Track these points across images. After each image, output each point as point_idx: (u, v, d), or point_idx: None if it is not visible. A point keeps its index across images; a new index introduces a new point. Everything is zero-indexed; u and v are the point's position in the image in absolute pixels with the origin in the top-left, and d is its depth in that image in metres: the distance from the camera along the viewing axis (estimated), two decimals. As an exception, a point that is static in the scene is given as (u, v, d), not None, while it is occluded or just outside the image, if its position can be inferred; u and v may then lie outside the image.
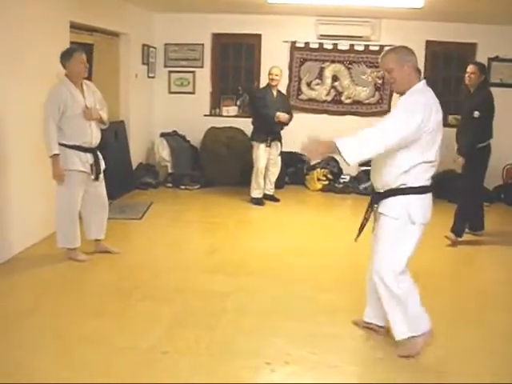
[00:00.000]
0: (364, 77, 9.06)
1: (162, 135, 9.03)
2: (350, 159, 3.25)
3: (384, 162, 3.41)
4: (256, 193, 7.78)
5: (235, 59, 9.60)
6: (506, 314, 4.38)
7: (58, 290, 4.54)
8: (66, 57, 4.87)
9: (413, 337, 3.53)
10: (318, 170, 8.89)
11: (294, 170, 9.09)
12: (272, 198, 7.95)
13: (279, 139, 7.74)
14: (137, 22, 8.43)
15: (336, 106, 9.17)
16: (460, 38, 8.62)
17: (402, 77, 3.39)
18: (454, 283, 5.10)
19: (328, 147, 3.31)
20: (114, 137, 7.77)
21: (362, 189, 8.36)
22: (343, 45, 9.00)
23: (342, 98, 9.17)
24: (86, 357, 3.43)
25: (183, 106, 9.34)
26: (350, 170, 8.92)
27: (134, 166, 8.63)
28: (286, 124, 7.56)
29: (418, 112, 3.24)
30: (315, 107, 9.16)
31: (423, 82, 3.47)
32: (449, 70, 9.04)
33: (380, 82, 8.88)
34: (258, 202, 7.75)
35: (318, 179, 8.82)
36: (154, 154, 9.06)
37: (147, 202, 7.56)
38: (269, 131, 7.57)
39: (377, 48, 8.62)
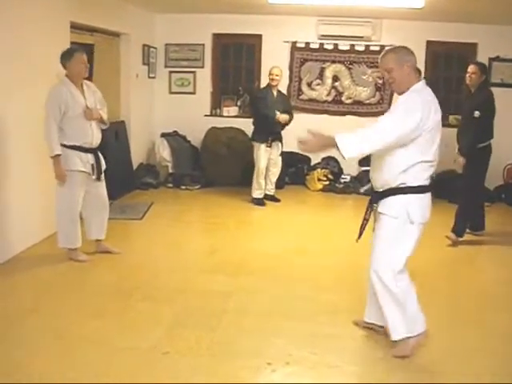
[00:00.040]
0: (365, 77, 9.06)
1: (163, 135, 9.03)
2: (347, 154, 3.25)
3: (383, 161, 3.42)
4: (257, 193, 7.78)
5: (236, 59, 9.60)
6: (507, 314, 4.38)
7: (59, 290, 4.54)
8: (66, 57, 4.87)
9: (408, 337, 3.54)
10: (319, 170, 8.90)
11: (295, 170, 9.10)
12: (273, 199, 7.95)
13: (280, 139, 7.73)
14: (137, 23, 8.43)
15: (336, 106, 9.17)
16: (461, 38, 8.62)
17: (402, 77, 3.39)
18: (455, 283, 5.10)
19: (326, 140, 3.32)
20: (115, 137, 7.77)
21: (363, 191, 8.33)
22: (344, 45, 9.00)
23: (343, 99, 9.17)
24: (86, 357, 3.43)
25: (184, 107, 9.34)
26: (350, 170, 8.95)
27: (135, 166, 8.63)
28: (287, 124, 7.57)
29: (417, 110, 3.24)
30: (316, 107, 9.16)
31: (422, 81, 3.48)
32: (449, 70, 9.04)
33: (381, 82, 8.87)
34: (259, 202, 7.75)
35: (319, 179, 8.81)
36: (154, 154, 9.06)
37: (148, 203, 7.57)
38: (269, 131, 7.57)
39: (377, 48, 8.61)
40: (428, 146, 3.34)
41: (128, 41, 8.17)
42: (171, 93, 9.49)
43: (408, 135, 3.25)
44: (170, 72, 9.44)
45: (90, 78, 5.66)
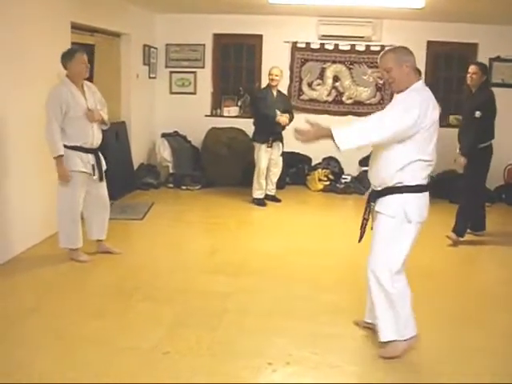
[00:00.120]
0: (365, 77, 9.06)
1: (163, 135, 9.04)
2: (343, 145, 3.25)
3: (380, 159, 3.43)
4: (258, 193, 7.79)
5: (236, 60, 9.60)
6: (507, 314, 4.38)
7: (60, 290, 4.54)
8: (67, 57, 4.88)
9: (396, 340, 3.54)
10: (320, 170, 8.90)
11: (296, 170, 9.10)
12: (273, 199, 7.95)
13: (280, 140, 7.73)
14: (138, 23, 8.44)
15: (337, 106, 9.17)
16: (461, 39, 8.62)
17: (401, 76, 3.40)
18: (455, 283, 5.09)
19: (323, 131, 3.32)
20: (116, 137, 7.77)
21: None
22: (344, 45, 9.00)
23: (343, 99, 9.18)
24: (87, 357, 3.44)
25: (184, 107, 9.34)
26: (351, 170, 8.96)
27: (136, 167, 8.63)
28: (287, 124, 7.57)
29: (415, 108, 3.25)
30: (316, 107, 9.16)
31: (421, 81, 3.49)
32: (450, 71, 9.04)
33: (381, 82, 8.87)
34: (260, 202, 7.75)
35: (320, 179, 8.82)
36: (155, 155, 9.06)
37: (148, 203, 7.57)
38: (270, 132, 7.57)
39: (378, 48, 8.60)
40: (426, 145, 3.35)
41: (128, 41, 8.18)
42: (172, 93, 9.49)
43: (405, 131, 3.26)
44: (171, 72, 9.45)
45: (90, 79, 5.66)
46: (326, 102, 9.22)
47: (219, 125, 9.09)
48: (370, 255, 3.55)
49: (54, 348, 3.54)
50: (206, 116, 9.41)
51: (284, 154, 7.96)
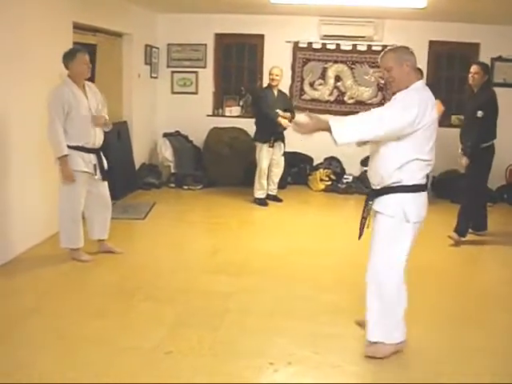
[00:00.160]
0: (367, 77, 9.06)
1: (165, 135, 9.04)
2: (340, 139, 3.25)
3: (379, 157, 3.44)
4: (259, 193, 7.79)
5: (238, 59, 9.61)
6: (508, 313, 4.38)
7: (61, 290, 4.55)
8: (68, 57, 4.88)
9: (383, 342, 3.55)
10: (321, 170, 8.90)
11: (297, 170, 9.09)
12: (275, 199, 7.95)
13: (282, 139, 7.73)
14: (140, 23, 8.44)
15: (339, 106, 9.17)
16: (463, 38, 8.61)
17: (401, 75, 3.40)
18: (457, 283, 5.09)
19: (321, 124, 3.32)
20: (117, 137, 7.77)
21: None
22: (346, 45, 9.00)
23: (345, 98, 9.18)
24: (88, 357, 3.44)
25: (186, 107, 9.35)
26: (352, 170, 8.95)
27: (137, 166, 8.64)
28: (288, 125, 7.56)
29: (413, 106, 3.25)
30: (318, 107, 9.14)
31: (421, 81, 3.48)
32: (452, 70, 9.04)
33: (383, 82, 8.85)
34: (262, 202, 7.76)
35: (321, 179, 8.81)
36: (156, 155, 9.07)
37: (150, 202, 7.57)
38: (272, 131, 7.56)
39: (379, 48, 8.56)
40: (424, 144, 3.35)
41: (130, 41, 8.18)
42: (173, 93, 9.50)
43: (403, 129, 3.26)
44: (172, 72, 9.45)
45: (92, 78, 5.66)
46: (327, 101, 9.22)
47: (221, 125, 9.09)
48: (370, 255, 3.55)
49: (55, 348, 3.55)
50: (208, 116, 9.42)
51: (286, 154, 7.96)
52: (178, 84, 9.47)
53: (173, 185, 8.73)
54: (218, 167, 8.76)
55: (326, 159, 9.11)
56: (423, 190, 3.47)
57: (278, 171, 7.94)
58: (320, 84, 9.20)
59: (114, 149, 7.32)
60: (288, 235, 6.42)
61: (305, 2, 7.46)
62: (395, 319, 3.52)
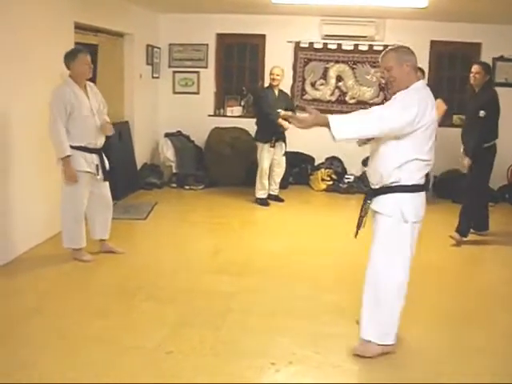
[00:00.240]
0: (368, 77, 9.06)
1: (167, 135, 9.05)
2: (338, 135, 3.24)
3: (379, 156, 3.44)
4: (261, 193, 7.79)
5: (239, 59, 9.61)
6: (508, 314, 4.38)
7: (63, 290, 4.56)
8: (70, 57, 4.88)
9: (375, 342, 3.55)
10: (323, 170, 8.90)
11: (299, 170, 9.09)
12: (276, 199, 7.95)
13: (283, 139, 7.73)
14: (141, 23, 8.45)
15: (340, 106, 9.16)
16: (464, 38, 8.60)
17: (402, 75, 3.39)
18: (458, 283, 5.10)
19: (320, 119, 3.31)
20: (119, 137, 7.77)
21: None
22: (347, 45, 9.00)
23: (347, 98, 9.17)
24: (90, 357, 3.45)
25: (187, 107, 9.35)
26: (354, 170, 8.96)
27: (139, 167, 8.64)
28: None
29: (413, 106, 3.26)
30: (319, 107, 9.10)
31: (422, 81, 3.49)
32: (453, 70, 9.03)
33: (384, 82, 8.84)
34: (263, 202, 7.76)
35: (323, 179, 8.81)
36: (158, 155, 9.08)
37: (152, 202, 7.58)
38: (273, 131, 7.56)
39: (381, 48, 8.55)
40: (424, 144, 3.35)
41: (132, 41, 8.19)
42: (175, 93, 9.50)
43: (402, 128, 3.26)
44: (174, 72, 9.45)
45: (93, 79, 5.67)
46: (329, 101, 9.22)
47: (222, 124, 9.09)
48: (370, 255, 3.56)
49: (56, 348, 3.55)
50: (209, 116, 9.42)
51: (287, 154, 7.96)
52: (180, 84, 9.48)
53: (174, 185, 8.73)
54: (220, 167, 8.77)
55: (327, 159, 9.11)
56: (421, 190, 3.47)
57: (279, 171, 7.94)
58: (321, 84, 9.20)
59: (116, 149, 7.32)
60: (290, 235, 6.42)
61: (306, 2, 7.46)
62: (390, 320, 3.52)
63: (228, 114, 9.41)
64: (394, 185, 3.39)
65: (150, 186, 8.50)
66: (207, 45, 9.29)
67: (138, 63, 8.44)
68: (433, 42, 8.75)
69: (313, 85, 9.22)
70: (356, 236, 3.67)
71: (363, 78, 9.07)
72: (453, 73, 9.04)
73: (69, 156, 4.83)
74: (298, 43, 9.09)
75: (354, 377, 3.41)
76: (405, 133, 3.28)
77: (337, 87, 9.17)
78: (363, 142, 3.62)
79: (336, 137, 3.24)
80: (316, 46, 9.07)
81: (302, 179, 9.08)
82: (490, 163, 6.07)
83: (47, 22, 5.58)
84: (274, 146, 7.64)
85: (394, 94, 3.44)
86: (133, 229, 6.50)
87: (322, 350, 3.63)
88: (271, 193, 7.94)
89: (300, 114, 3.50)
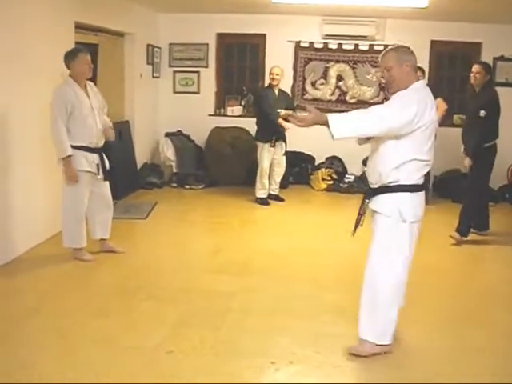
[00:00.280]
0: (369, 76, 9.06)
1: (167, 135, 9.05)
2: (337, 134, 3.24)
3: (378, 155, 3.45)
4: (261, 193, 7.79)
5: (240, 59, 9.61)
6: (508, 313, 4.38)
7: (63, 289, 4.55)
8: (70, 57, 4.88)
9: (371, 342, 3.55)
10: (323, 169, 8.90)
11: (299, 169, 9.09)
12: (277, 198, 7.95)
13: (283, 139, 7.73)
14: (142, 22, 8.45)
15: (340, 105, 9.16)
16: (465, 38, 8.60)
17: (401, 75, 3.39)
18: (458, 282, 5.09)
19: (319, 117, 3.31)
20: (119, 137, 7.76)
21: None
22: (348, 44, 8.99)
23: (347, 98, 9.17)
24: (90, 356, 3.45)
25: (188, 106, 9.35)
26: (354, 169, 8.95)
27: (139, 166, 8.64)
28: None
29: (412, 105, 3.25)
30: (320, 107, 9.08)
31: (422, 81, 3.49)
32: (454, 70, 9.03)
33: (384, 81, 8.84)
34: (263, 201, 7.76)
35: (323, 179, 8.81)
36: (158, 154, 9.08)
37: (152, 202, 7.58)
38: (273, 131, 7.56)
39: (381, 48, 8.54)
40: (423, 144, 3.35)
41: (132, 40, 8.19)
42: (175, 92, 9.50)
43: (401, 128, 3.26)
44: (174, 72, 9.45)
45: (94, 78, 5.67)
46: (329, 101, 9.22)
47: (223, 124, 9.09)
48: (369, 255, 3.56)
49: (56, 348, 3.55)
50: (210, 115, 9.41)
51: (287, 154, 7.96)
52: (180, 84, 9.48)
53: (175, 184, 8.74)
54: (220, 167, 8.77)
55: (327, 159, 9.11)
56: (420, 190, 3.47)
57: (279, 171, 7.94)
58: (322, 84, 9.20)
59: (116, 148, 7.30)
60: (290, 235, 6.42)
61: (306, 2, 7.46)
62: (388, 320, 3.52)
63: (228, 113, 9.40)
64: (392, 184, 3.39)
65: (151, 185, 8.50)
66: (207, 44, 9.29)
67: (139, 63, 8.44)
68: (433, 42, 8.74)
69: (313, 84, 9.22)
70: (354, 235, 3.67)
71: (363, 77, 9.07)
72: (453, 73, 9.03)
73: (70, 156, 4.83)
74: (298, 43, 9.09)
75: (355, 377, 3.41)
76: (404, 132, 3.27)
77: (337, 87, 9.17)
78: (363, 140, 3.62)
79: (334, 135, 3.24)
80: (316, 45, 9.07)
81: (302, 179, 9.08)
82: (490, 163, 6.06)
83: (47, 22, 5.58)
84: (274, 146, 7.64)
85: (394, 93, 3.44)
86: (133, 228, 6.50)
87: (322, 350, 3.63)
88: (271, 192, 7.94)
89: (300, 114, 3.48)
